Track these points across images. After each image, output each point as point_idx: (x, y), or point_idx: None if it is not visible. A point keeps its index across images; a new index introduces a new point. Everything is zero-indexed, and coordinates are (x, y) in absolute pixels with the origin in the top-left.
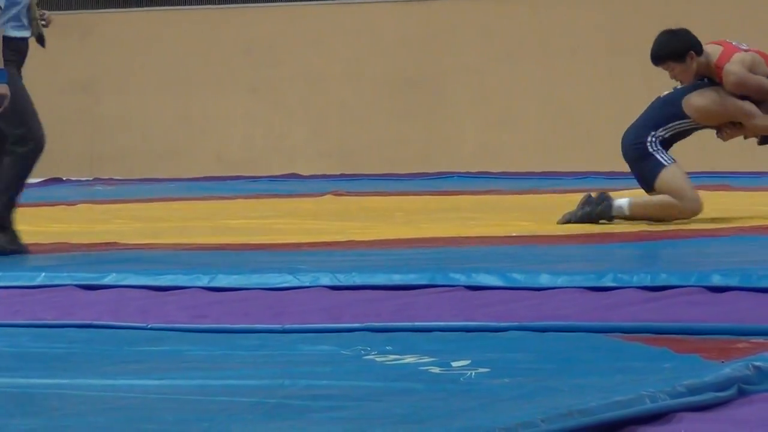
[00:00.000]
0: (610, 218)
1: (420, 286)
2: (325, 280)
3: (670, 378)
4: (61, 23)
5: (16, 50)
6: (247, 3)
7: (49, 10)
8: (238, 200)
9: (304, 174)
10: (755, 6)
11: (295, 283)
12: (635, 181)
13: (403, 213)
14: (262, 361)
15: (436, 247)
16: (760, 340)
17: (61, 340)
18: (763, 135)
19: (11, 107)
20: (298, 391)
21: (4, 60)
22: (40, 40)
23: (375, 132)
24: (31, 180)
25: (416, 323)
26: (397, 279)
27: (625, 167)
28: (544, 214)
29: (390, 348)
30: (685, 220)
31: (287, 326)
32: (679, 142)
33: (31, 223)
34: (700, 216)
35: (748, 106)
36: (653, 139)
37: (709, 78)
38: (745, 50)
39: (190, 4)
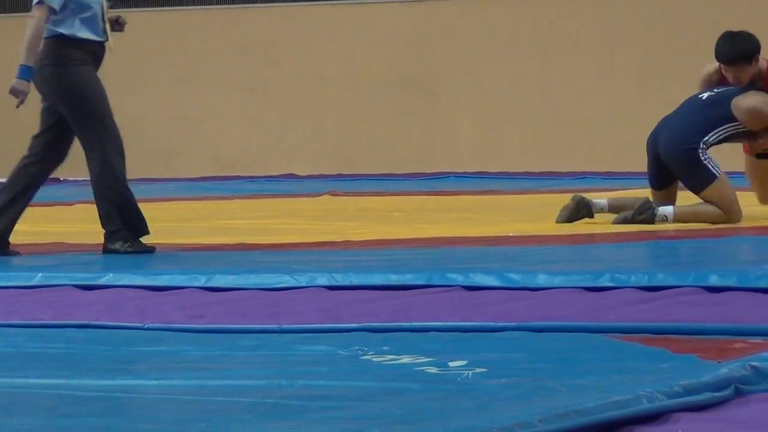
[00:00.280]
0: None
1: (417, 287)
2: (323, 280)
3: (667, 378)
4: None
5: (89, 51)
6: (244, 3)
7: None
8: (235, 200)
9: (302, 174)
10: (752, 7)
11: (292, 283)
12: (633, 182)
13: (401, 213)
14: (259, 362)
15: (434, 247)
16: (758, 340)
17: (59, 340)
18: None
19: (78, 107)
20: (295, 391)
21: (75, 60)
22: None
23: (372, 132)
24: None
25: (413, 323)
26: (394, 279)
27: (623, 167)
28: (541, 214)
29: (387, 348)
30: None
31: (284, 326)
32: None
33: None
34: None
35: None
36: (704, 146)
37: (755, 85)
38: None
39: (188, 5)
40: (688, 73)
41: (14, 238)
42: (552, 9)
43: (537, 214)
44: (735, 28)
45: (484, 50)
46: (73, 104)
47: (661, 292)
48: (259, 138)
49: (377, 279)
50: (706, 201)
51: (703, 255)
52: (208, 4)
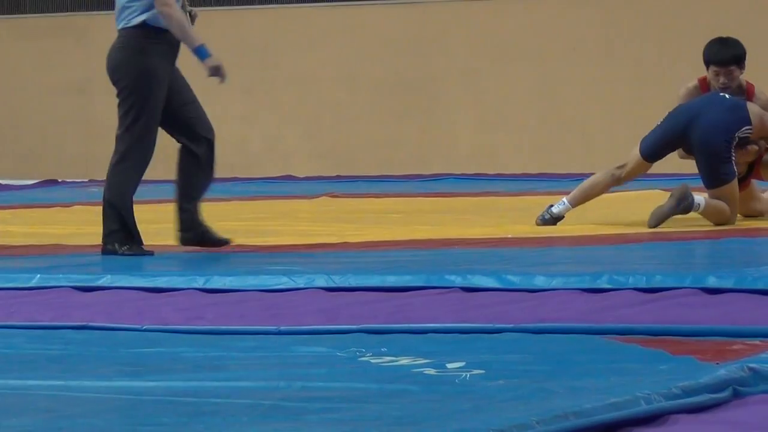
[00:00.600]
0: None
1: (415, 288)
2: (321, 281)
3: (665, 379)
4: (56, 25)
5: (168, 42)
6: (242, 5)
7: (44, 11)
8: (232, 202)
9: (299, 175)
10: (749, 11)
11: (290, 284)
12: (630, 183)
13: (399, 215)
14: (257, 363)
15: (432, 248)
16: (756, 341)
17: (57, 341)
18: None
19: (132, 97)
20: (293, 392)
21: (153, 51)
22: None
23: (370, 133)
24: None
25: (411, 325)
26: (392, 281)
27: None
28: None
29: (385, 350)
30: (682, 222)
31: (282, 328)
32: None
33: (26, 225)
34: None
35: None
36: (733, 144)
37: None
38: None
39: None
40: (685, 75)
41: (13, 240)
42: (549, 11)
43: (535, 216)
44: (731, 32)
45: (482, 52)
46: (128, 92)
47: (660, 293)
48: (257, 139)
49: (375, 280)
50: (715, 197)
51: (701, 256)
52: (205, 6)
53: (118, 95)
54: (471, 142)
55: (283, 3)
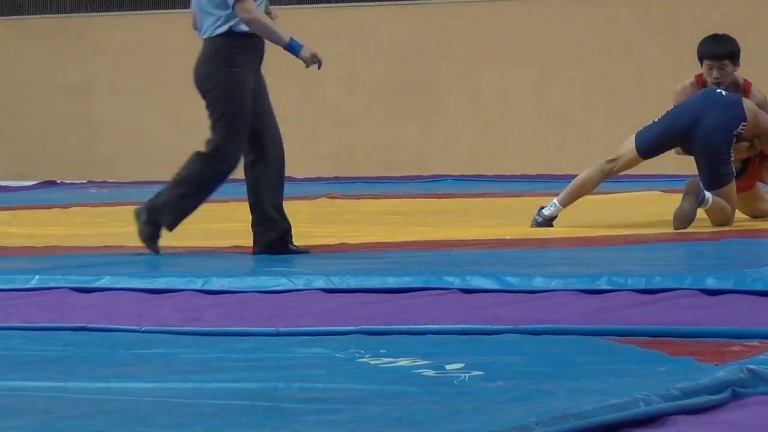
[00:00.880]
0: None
1: (414, 289)
2: (320, 283)
3: (664, 381)
4: (54, 26)
5: (254, 48)
6: None
7: (43, 13)
8: (231, 203)
9: (299, 177)
10: (748, 12)
11: (289, 286)
12: (629, 185)
13: (398, 216)
14: (256, 364)
15: (431, 249)
16: (754, 343)
17: (55, 342)
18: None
19: (222, 107)
20: (292, 394)
21: (239, 61)
22: None
23: (369, 135)
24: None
25: (410, 326)
26: (391, 282)
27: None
28: None
29: (384, 351)
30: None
31: (281, 329)
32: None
33: (25, 226)
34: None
35: None
36: (732, 144)
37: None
38: None
39: (185, 7)
40: (685, 76)
41: (12, 241)
42: (548, 12)
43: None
44: (730, 33)
45: (481, 53)
46: (218, 103)
47: (659, 294)
48: None
49: (374, 282)
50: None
51: (700, 258)
52: None
53: (207, 106)
54: (470, 143)
55: (282, 4)
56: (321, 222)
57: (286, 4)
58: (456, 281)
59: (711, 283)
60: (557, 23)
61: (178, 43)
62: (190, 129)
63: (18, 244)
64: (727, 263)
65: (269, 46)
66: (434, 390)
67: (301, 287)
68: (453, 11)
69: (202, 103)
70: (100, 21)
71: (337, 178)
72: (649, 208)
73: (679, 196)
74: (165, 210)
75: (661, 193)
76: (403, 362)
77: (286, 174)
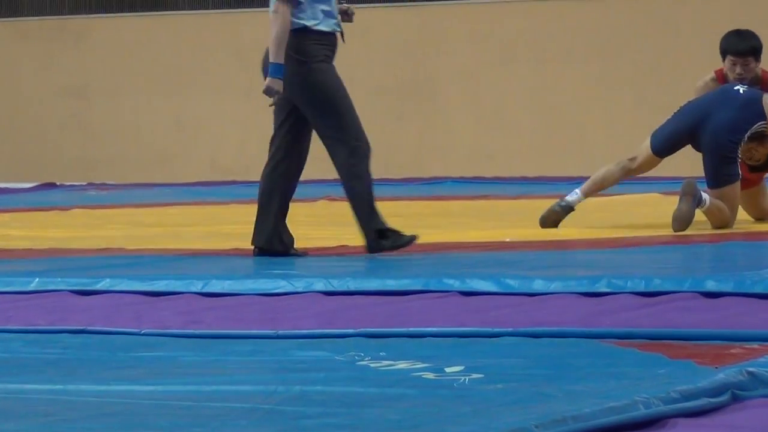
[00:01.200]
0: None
1: (414, 292)
2: (319, 285)
3: (664, 384)
4: (53, 28)
5: (329, 44)
6: (240, 8)
7: (42, 14)
8: (231, 205)
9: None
10: (748, 13)
11: (288, 288)
12: (628, 187)
13: (396, 218)
14: (255, 367)
15: (430, 252)
16: (754, 345)
17: (55, 345)
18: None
19: (321, 103)
20: (291, 397)
21: (318, 56)
22: (341, 35)
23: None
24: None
25: (410, 329)
26: (390, 284)
27: None
28: (537, 219)
29: (383, 354)
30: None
31: (281, 332)
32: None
33: (24, 228)
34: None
35: None
36: (741, 144)
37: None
38: None
39: (184, 9)
40: (683, 78)
41: (11, 243)
42: (547, 14)
43: (533, 219)
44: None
45: (480, 55)
46: (316, 102)
47: (658, 297)
48: (256, 143)
49: (374, 284)
50: (717, 197)
51: (700, 260)
52: (205, 9)
53: (304, 112)
54: (469, 145)
55: None
56: (320, 224)
57: None
58: (456, 284)
59: (711, 285)
60: (556, 25)
61: (177, 44)
62: (190, 130)
63: (17, 246)
64: (726, 266)
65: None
66: (434, 393)
67: (300, 290)
68: (452, 13)
69: (201, 105)
70: (99, 23)
71: (336, 179)
72: (649, 210)
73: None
74: (366, 217)
75: (661, 195)
76: (402, 365)
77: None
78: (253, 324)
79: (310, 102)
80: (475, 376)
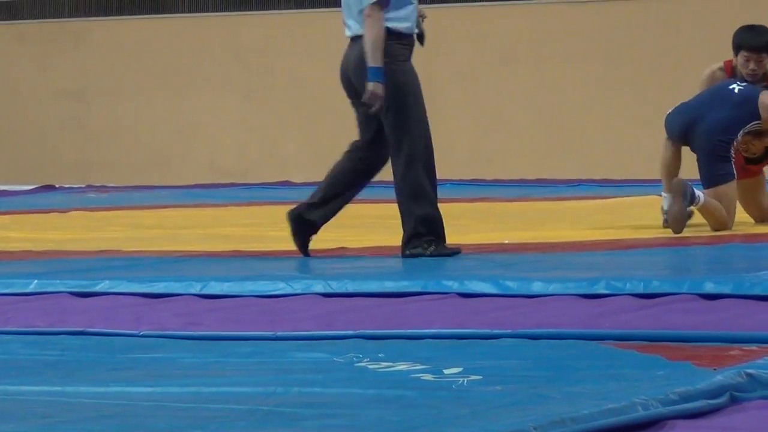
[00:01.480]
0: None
1: (412, 294)
2: (318, 287)
3: (662, 385)
4: (52, 31)
5: (409, 45)
6: (240, 11)
7: (41, 17)
8: (230, 208)
9: (297, 181)
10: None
11: (287, 290)
12: (628, 189)
13: (396, 220)
14: (254, 369)
15: None
16: (753, 347)
17: (54, 347)
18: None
19: (394, 104)
20: (290, 398)
21: (400, 56)
22: (420, 37)
23: None
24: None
25: (409, 330)
26: (389, 286)
27: (618, 175)
28: (537, 221)
29: (382, 355)
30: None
31: (280, 333)
32: None
33: (23, 231)
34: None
35: None
36: (734, 143)
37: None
38: None
39: (183, 12)
40: (683, 78)
41: (10, 245)
42: (547, 15)
43: (532, 222)
44: (727, 36)
45: (479, 56)
46: (391, 102)
47: (657, 299)
48: (255, 145)
49: (373, 286)
50: (712, 197)
51: (699, 262)
52: (203, 12)
53: (376, 115)
54: (469, 147)
55: (281, 8)
56: None
57: (285, 9)
58: (454, 285)
59: (709, 287)
60: (556, 26)
61: (176, 46)
62: (189, 132)
63: (16, 248)
64: (725, 267)
65: (270, 53)
66: (432, 394)
67: (299, 291)
68: (451, 13)
69: (200, 107)
70: (98, 25)
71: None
72: (648, 212)
73: None
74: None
75: (659, 197)
76: (401, 366)
77: (285, 178)
78: (252, 326)
79: (386, 103)
80: (473, 377)
